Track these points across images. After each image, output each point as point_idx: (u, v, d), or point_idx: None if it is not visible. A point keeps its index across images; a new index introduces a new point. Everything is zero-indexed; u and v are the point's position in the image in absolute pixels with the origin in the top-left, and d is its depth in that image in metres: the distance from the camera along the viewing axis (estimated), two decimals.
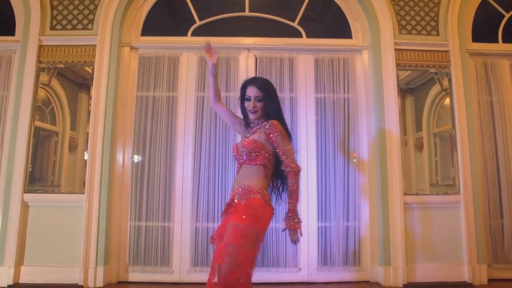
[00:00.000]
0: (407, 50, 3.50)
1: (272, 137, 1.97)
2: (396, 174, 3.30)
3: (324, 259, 3.33)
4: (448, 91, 3.54)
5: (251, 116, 2.10)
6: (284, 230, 1.94)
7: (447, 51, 3.51)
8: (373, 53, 3.50)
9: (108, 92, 3.33)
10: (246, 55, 3.52)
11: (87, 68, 3.47)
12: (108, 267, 3.20)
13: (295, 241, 1.92)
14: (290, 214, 1.93)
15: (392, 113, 3.37)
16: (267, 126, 2.00)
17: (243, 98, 2.12)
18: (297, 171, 1.96)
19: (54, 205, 3.25)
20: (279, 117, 2.10)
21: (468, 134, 3.41)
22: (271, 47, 3.53)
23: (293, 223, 1.91)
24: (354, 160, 3.44)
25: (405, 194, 3.30)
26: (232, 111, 2.38)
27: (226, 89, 3.45)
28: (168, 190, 3.36)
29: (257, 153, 1.97)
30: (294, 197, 1.94)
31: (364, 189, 3.42)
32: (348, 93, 3.50)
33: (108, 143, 3.28)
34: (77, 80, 3.57)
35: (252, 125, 2.14)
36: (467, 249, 3.26)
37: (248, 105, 2.08)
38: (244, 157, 2.00)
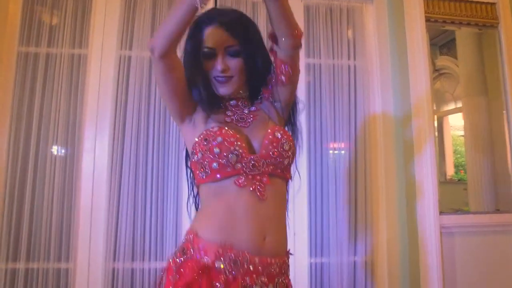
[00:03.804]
0: None
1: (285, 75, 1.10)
2: (429, 180, 2.15)
3: None
4: (441, 72, 2.85)
5: (221, 90, 1.11)
6: None
7: (493, 4, 2.44)
8: (390, 2, 2.37)
9: None
10: None
11: None
12: None
13: None
14: None
15: (421, 86, 2.21)
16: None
17: (196, 53, 1.08)
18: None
19: None
20: None
21: None
22: None
23: None
24: (365, 160, 2.27)
25: (441, 213, 2.16)
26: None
27: None
28: (67, 207, 2.03)
29: (293, 156, 1.11)
30: None
31: (379, 204, 2.25)
32: (354, 58, 2.33)
33: None
34: None
35: (232, 103, 1.15)
36: None
37: (211, 67, 1.08)
38: (285, 161, 1.07)
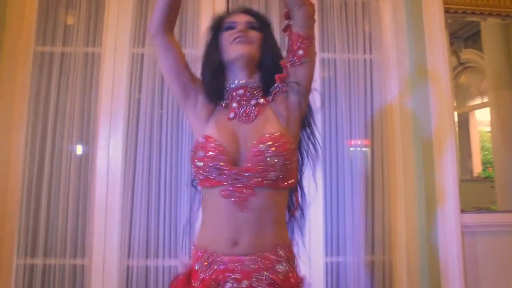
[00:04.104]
0: None
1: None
2: (449, 177, 2.07)
3: None
4: (466, 66, 2.72)
5: (238, 49, 1.08)
6: None
7: None
8: None
9: None
10: None
11: None
12: None
13: None
14: None
15: (440, 81, 2.14)
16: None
17: (217, 32, 1.16)
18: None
19: None
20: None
21: None
22: None
23: None
24: (382, 156, 2.20)
25: (463, 211, 2.08)
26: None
27: (182, 45, 2.17)
28: (82, 206, 2.05)
29: (293, 163, 1.05)
30: None
31: (397, 202, 2.18)
32: (370, 53, 2.27)
33: None
34: None
35: (239, 92, 1.11)
36: None
37: (231, 34, 1.11)
38: (273, 173, 1.01)
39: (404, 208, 2.16)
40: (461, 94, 2.85)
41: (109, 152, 2.09)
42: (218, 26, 1.16)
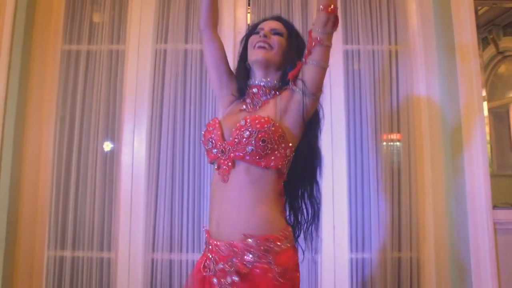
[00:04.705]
0: None
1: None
2: (480, 172, 1.98)
3: None
4: (506, 55, 2.52)
5: (255, 53, 1.21)
6: None
7: None
8: None
9: (15, 44, 2.06)
10: None
11: None
12: None
13: None
14: None
15: (469, 72, 2.04)
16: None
17: (248, 37, 1.31)
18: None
19: None
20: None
21: None
22: None
23: None
24: (409, 150, 2.13)
25: (495, 207, 1.99)
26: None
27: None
28: (108, 201, 2.10)
29: (275, 146, 1.10)
30: None
31: (425, 197, 2.11)
32: (395, 43, 2.20)
33: (11, 125, 2.03)
34: None
35: (254, 91, 1.24)
36: None
37: (255, 38, 1.24)
38: (248, 148, 1.09)
39: (432, 203, 2.09)
40: (500, 85, 2.69)
41: (134, 147, 2.13)
42: (252, 30, 1.30)
